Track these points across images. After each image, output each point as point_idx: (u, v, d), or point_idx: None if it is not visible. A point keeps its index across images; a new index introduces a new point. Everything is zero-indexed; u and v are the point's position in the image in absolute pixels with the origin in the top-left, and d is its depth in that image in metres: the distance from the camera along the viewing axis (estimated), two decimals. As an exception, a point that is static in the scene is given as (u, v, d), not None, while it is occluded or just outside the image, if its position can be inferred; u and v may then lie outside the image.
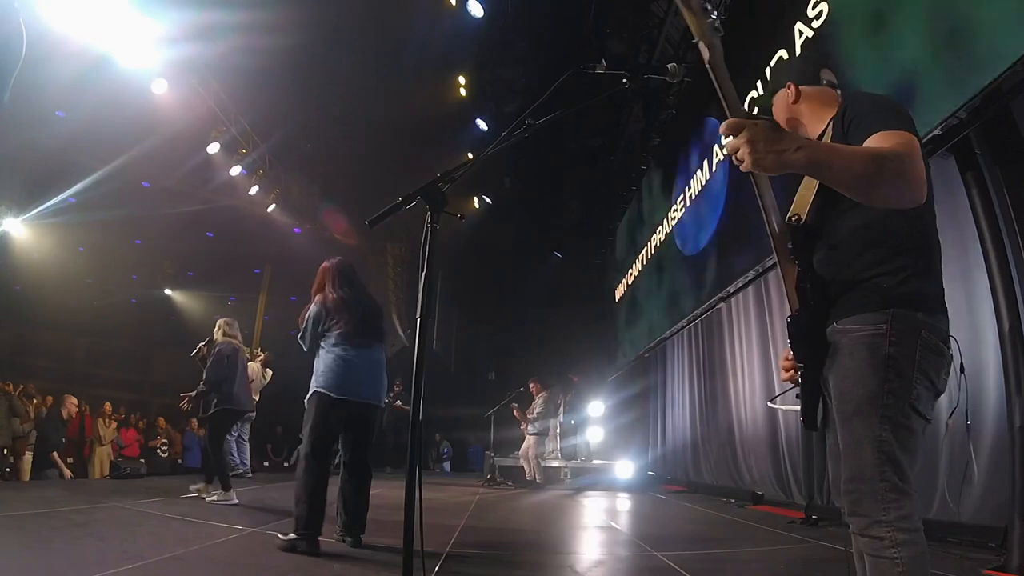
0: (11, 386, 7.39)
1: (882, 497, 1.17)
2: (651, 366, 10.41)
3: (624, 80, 1.62)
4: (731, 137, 1.11)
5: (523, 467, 8.45)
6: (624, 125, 10.30)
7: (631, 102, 9.51)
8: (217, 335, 5.03)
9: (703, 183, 7.23)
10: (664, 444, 9.60)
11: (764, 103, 5.59)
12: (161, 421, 10.23)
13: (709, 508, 5.84)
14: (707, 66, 1.15)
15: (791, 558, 3.28)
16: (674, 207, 8.35)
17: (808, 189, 1.37)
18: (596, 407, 10.62)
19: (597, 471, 8.88)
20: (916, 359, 1.22)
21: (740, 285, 6.39)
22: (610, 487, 8.23)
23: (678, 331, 8.70)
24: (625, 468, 8.95)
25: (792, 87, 1.55)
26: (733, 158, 1.12)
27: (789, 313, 1.36)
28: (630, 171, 10.68)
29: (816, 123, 1.50)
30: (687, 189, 7.83)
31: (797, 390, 1.42)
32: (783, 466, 5.78)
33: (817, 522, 4.45)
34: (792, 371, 1.42)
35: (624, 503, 6.63)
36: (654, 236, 9.27)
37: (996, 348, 3.16)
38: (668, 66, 1.64)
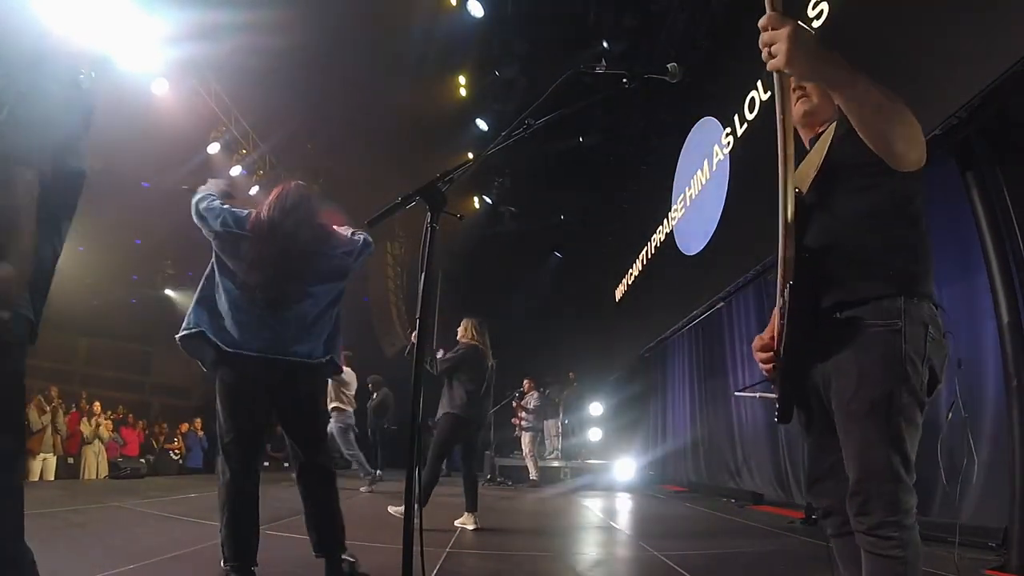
0: None
1: (894, 497, 1.18)
2: (651, 366, 10.42)
3: (624, 80, 1.61)
4: (769, 31, 1.09)
5: (527, 467, 8.49)
6: (624, 125, 10.29)
7: (631, 102, 9.50)
8: (465, 335, 4.37)
9: (703, 183, 7.22)
10: (664, 444, 9.61)
11: (766, 104, 5.60)
12: (184, 426, 10.26)
13: (709, 508, 5.84)
14: None
15: (791, 558, 3.28)
16: (674, 207, 8.35)
17: (810, 166, 1.34)
18: (596, 407, 10.63)
19: (597, 471, 8.88)
20: (925, 354, 1.22)
21: (740, 285, 6.40)
22: (610, 487, 8.23)
23: (678, 331, 8.71)
24: (625, 468, 8.95)
25: None
26: (765, 51, 1.10)
27: (780, 286, 1.28)
28: (630, 171, 10.67)
29: (826, 118, 1.46)
30: (687, 189, 7.82)
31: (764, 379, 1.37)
32: (783, 466, 5.78)
33: (817, 522, 4.45)
34: (771, 358, 1.35)
35: (624, 503, 6.64)
36: (654, 236, 9.27)
37: (995, 347, 3.16)
38: (668, 66, 1.63)
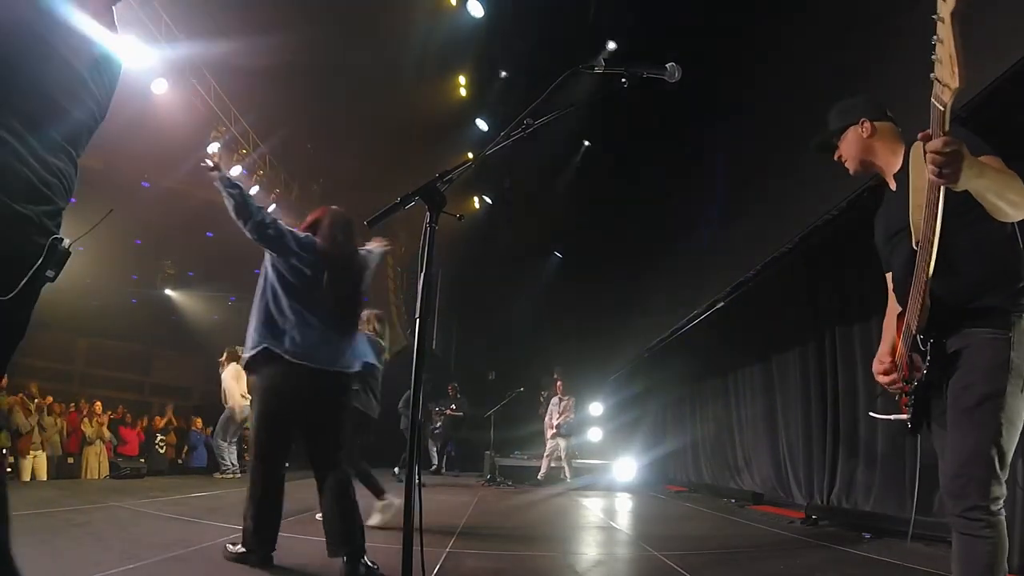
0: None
1: (987, 485, 1.35)
2: (651, 366, 10.40)
3: (623, 79, 1.61)
4: (943, 155, 1.21)
5: (541, 466, 8.47)
6: (623, 124, 10.29)
7: (630, 101, 9.50)
8: (366, 327, 4.35)
9: (703, 183, 7.22)
10: (664, 444, 9.61)
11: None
12: (159, 420, 10.22)
13: (709, 508, 5.84)
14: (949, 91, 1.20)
15: (791, 558, 3.28)
16: (674, 207, 8.35)
17: (918, 210, 1.44)
18: (596, 407, 10.62)
19: (597, 471, 8.87)
20: None
21: (740, 285, 6.39)
22: (610, 487, 8.22)
23: (679, 331, 8.71)
24: (625, 468, 8.94)
25: (867, 123, 1.65)
26: (936, 168, 1.23)
27: (915, 329, 1.47)
28: (630, 171, 10.66)
29: (891, 156, 1.64)
30: (687, 189, 7.83)
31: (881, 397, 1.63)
32: (783, 466, 5.78)
33: (817, 522, 4.45)
34: (896, 378, 1.57)
35: (624, 503, 6.64)
36: (655, 236, 9.27)
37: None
38: (667, 66, 1.63)
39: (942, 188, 1.31)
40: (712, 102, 6.95)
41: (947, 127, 1.23)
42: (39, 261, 1.09)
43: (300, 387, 2.48)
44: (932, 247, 1.37)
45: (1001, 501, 1.35)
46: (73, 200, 1.27)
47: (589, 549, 3.67)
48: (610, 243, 12.42)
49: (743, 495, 6.22)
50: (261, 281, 2.60)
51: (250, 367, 2.53)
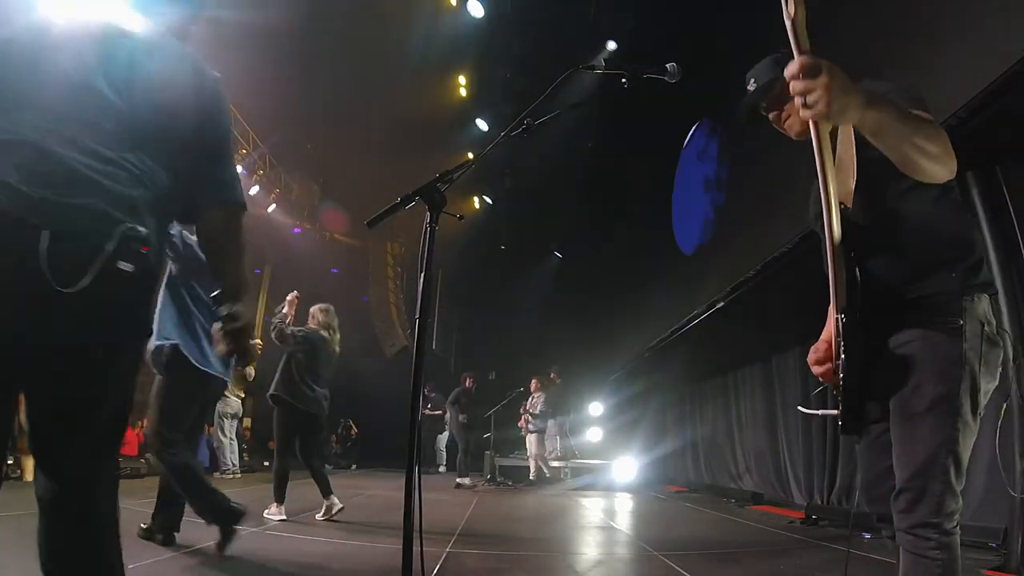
0: None
1: (940, 499, 1.17)
2: (651, 366, 10.40)
3: (623, 80, 1.62)
4: (802, 78, 1.01)
5: (529, 466, 8.50)
6: (623, 124, 10.30)
7: (630, 101, 9.50)
8: (312, 323, 4.37)
9: (703, 183, 7.22)
10: (664, 444, 9.60)
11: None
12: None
13: (709, 508, 5.84)
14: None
15: (791, 558, 3.28)
16: (674, 207, 8.35)
17: (846, 174, 1.26)
18: (596, 407, 10.62)
19: (597, 471, 8.88)
20: (982, 354, 1.21)
21: (740, 284, 6.39)
22: (610, 487, 8.23)
23: (678, 331, 8.70)
24: (625, 468, 8.94)
25: None
26: (802, 100, 1.03)
27: (835, 308, 1.27)
28: (630, 170, 10.67)
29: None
30: (687, 189, 7.83)
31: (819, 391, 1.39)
32: (783, 466, 5.78)
33: (817, 522, 4.45)
34: (828, 368, 1.33)
35: (624, 503, 6.64)
36: (654, 236, 9.27)
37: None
38: (667, 66, 1.64)
39: (820, 128, 1.11)
40: (712, 99, 6.95)
41: (804, 43, 1.00)
42: (105, 251, 0.97)
43: (203, 394, 2.81)
44: (830, 199, 1.17)
45: (956, 517, 1.18)
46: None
47: (589, 549, 3.67)
48: (610, 242, 12.44)
49: (743, 495, 6.22)
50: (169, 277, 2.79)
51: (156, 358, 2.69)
